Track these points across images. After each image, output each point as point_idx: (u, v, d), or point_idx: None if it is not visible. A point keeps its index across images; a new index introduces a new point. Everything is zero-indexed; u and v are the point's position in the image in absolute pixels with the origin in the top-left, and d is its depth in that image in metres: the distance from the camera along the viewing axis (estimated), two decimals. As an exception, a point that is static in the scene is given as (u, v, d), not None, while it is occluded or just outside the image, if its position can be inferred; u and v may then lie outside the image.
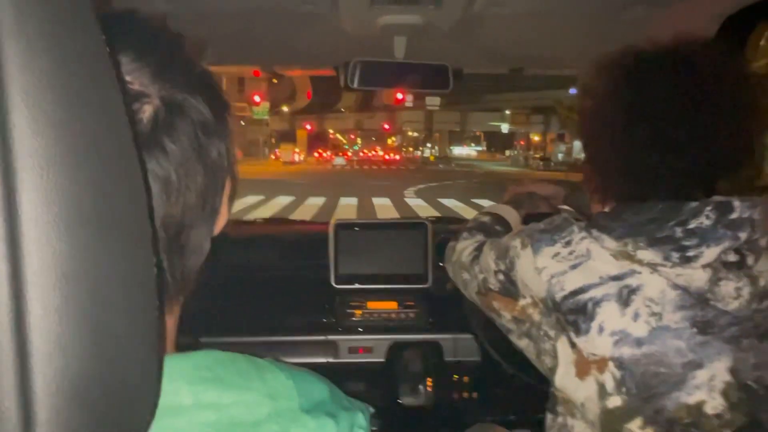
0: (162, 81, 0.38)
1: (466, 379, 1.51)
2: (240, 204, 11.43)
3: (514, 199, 1.25)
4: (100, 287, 0.25)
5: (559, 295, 0.76)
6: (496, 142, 71.98)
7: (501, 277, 0.87)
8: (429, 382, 1.45)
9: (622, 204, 0.80)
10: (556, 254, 0.78)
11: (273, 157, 45.70)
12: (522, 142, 54.83)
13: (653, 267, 0.72)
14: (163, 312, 0.41)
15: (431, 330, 1.51)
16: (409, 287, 1.55)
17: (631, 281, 0.72)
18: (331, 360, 1.46)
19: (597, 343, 0.73)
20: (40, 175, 0.23)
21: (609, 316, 0.72)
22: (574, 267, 0.76)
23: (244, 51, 1.46)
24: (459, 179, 23.63)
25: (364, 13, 1.12)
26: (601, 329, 0.72)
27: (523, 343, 0.86)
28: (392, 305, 1.53)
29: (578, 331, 0.74)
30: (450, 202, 13.16)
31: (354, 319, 1.51)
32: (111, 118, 0.27)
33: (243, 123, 40.44)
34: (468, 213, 10.13)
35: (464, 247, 1.05)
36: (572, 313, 0.75)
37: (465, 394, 1.51)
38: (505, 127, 55.77)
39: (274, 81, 40.06)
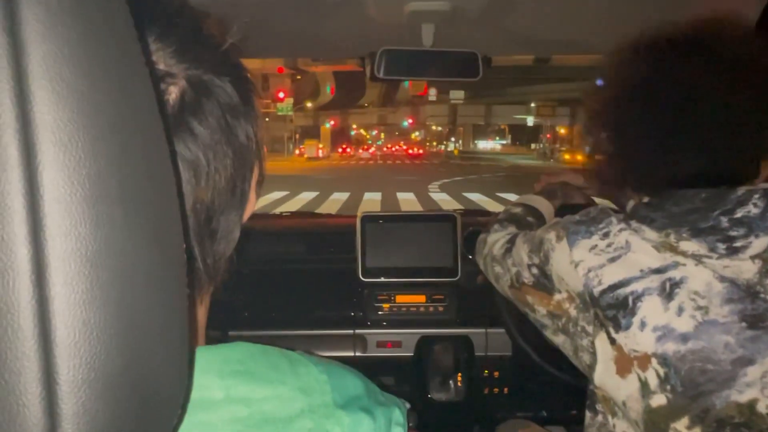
0: (187, 60, 0.37)
1: (497, 374, 1.48)
2: (265, 200, 11.53)
3: (546, 189, 1.21)
4: (128, 272, 0.24)
5: (597, 290, 0.73)
6: (522, 136, 71.16)
7: (535, 270, 0.84)
8: (459, 377, 1.42)
9: (663, 193, 0.76)
10: (594, 247, 0.75)
11: (297, 152, 45.99)
12: (548, 136, 54.10)
13: (698, 258, 0.68)
14: (194, 300, 0.40)
15: (461, 324, 1.49)
16: (438, 281, 1.53)
17: (675, 274, 0.69)
18: (359, 354, 1.45)
19: (639, 339, 0.69)
20: (62, 150, 0.21)
21: (651, 310, 0.69)
22: (612, 260, 0.73)
23: (269, 42, 1.45)
24: (484, 173, 23.44)
25: (390, 0, 1.10)
26: (642, 324, 0.69)
27: (559, 340, 0.83)
28: (421, 299, 1.51)
29: (618, 327, 0.71)
30: (475, 196, 13.07)
31: (382, 312, 1.49)
32: (137, 91, 0.25)
33: (267, 119, 40.80)
34: (493, 207, 10.03)
35: (496, 239, 1.02)
36: (612, 308, 0.71)
37: (496, 390, 1.49)
38: (530, 120, 55.08)
39: (298, 77, 40.31)
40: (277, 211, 2.24)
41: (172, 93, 0.36)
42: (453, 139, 78.58)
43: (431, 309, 1.50)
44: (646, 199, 0.79)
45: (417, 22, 1.20)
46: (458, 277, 1.53)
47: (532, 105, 51.64)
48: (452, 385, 1.41)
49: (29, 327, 0.21)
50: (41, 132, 0.21)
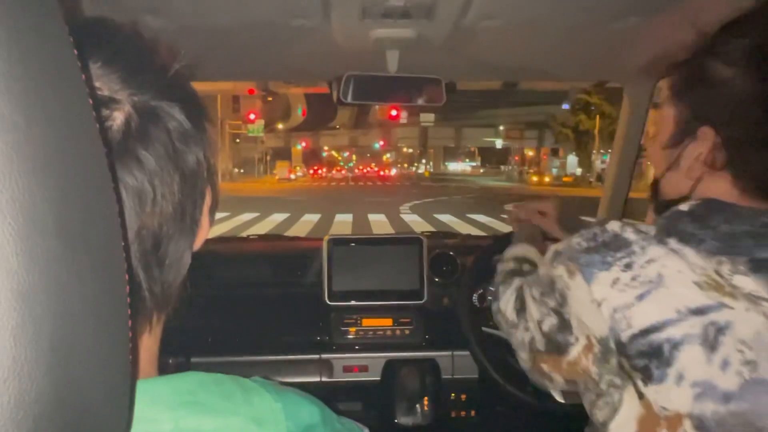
0: (133, 86, 0.36)
1: (464, 397, 1.48)
2: (236, 221, 11.39)
3: (521, 236, 1.17)
4: (64, 306, 0.23)
5: (625, 335, 0.61)
6: (491, 158, 72.28)
7: (553, 320, 0.71)
8: (426, 400, 1.42)
9: (708, 202, 0.63)
10: (616, 281, 0.61)
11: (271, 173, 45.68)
12: (516, 158, 55.13)
13: (753, 300, 0.56)
14: (136, 332, 0.39)
15: (427, 347, 1.49)
16: (404, 303, 1.53)
17: (719, 317, 0.57)
18: (325, 379, 1.43)
19: (673, 395, 0.58)
20: None
21: (691, 362, 0.57)
22: (641, 297, 0.60)
23: (236, 66, 1.45)
24: (454, 195, 23.68)
25: (355, 27, 1.11)
26: (680, 378, 0.58)
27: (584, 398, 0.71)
28: (387, 322, 1.50)
29: (649, 379, 0.59)
30: (446, 218, 13.16)
31: (348, 336, 1.48)
32: (77, 123, 0.25)
33: (238, 141, 40.56)
34: (464, 228, 10.11)
35: (507, 301, 0.88)
36: (643, 357, 0.60)
37: (463, 413, 1.48)
38: (499, 143, 56.16)
39: (269, 99, 40.25)
40: (246, 233, 2.21)
41: (117, 119, 0.35)
42: (424, 160, 79.42)
43: (398, 332, 1.49)
44: (685, 207, 0.64)
45: (382, 49, 1.22)
46: (424, 300, 1.53)
47: (501, 128, 52.71)
48: (419, 410, 1.40)
49: None
50: None
